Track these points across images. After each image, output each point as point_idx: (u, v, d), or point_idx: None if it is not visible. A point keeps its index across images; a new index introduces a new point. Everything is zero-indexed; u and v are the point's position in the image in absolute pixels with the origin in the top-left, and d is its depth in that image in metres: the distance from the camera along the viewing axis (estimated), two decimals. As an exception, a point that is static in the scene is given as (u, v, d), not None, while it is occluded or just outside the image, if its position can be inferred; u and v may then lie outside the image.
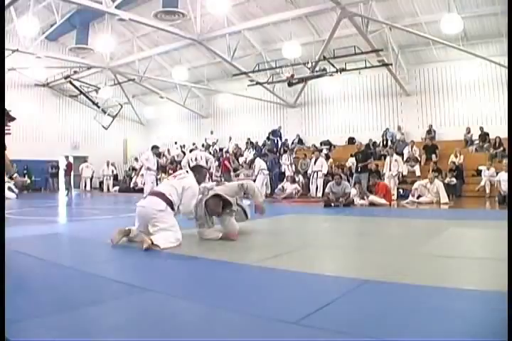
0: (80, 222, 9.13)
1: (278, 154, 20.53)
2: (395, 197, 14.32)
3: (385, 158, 16.35)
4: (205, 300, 3.02)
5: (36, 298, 3.10)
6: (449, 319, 2.56)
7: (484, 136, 17.70)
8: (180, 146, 25.67)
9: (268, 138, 22.90)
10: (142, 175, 14.50)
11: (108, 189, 24.02)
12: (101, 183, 25.14)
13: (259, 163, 16.75)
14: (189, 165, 13.49)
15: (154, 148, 14.31)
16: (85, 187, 24.14)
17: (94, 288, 3.44)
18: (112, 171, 24.69)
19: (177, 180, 5.59)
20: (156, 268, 4.37)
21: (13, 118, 5.07)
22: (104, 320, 2.69)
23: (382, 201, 12.19)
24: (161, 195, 5.35)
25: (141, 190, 15.83)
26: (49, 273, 4.03)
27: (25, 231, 5.65)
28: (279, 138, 22.75)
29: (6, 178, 4.45)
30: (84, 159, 25.18)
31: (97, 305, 2.90)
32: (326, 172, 16.61)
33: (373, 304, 2.92)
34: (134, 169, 23.99)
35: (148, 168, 13.92)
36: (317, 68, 17.89)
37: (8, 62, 19.06)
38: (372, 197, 12.28)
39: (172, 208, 5.31)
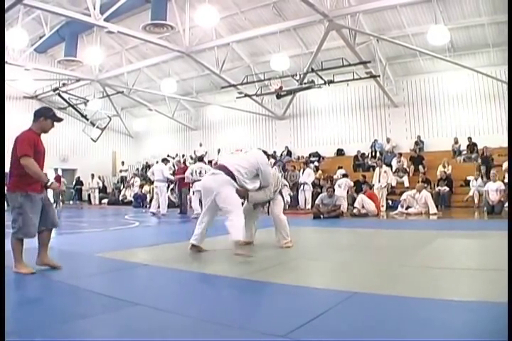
0: (69, 234, 9.05)
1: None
2: (384, 208, 14.37)
3: (373, 170, 16.41)
4: (193, 314, 3.00)
5: (25, 312, 3.07)
6: (438, 330, 2.57)
7: (472, 146, 17.85)
8: (173, 158, 25.51)
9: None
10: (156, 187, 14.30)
11: (99, 202, 23.94)
12: (89, 196, 25.05)
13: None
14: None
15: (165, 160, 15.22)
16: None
17: (83, 301, 3.41)
18: (97, 183, 24.58)
19: (244, 154, 5.85)
20: (145, 282, 4.34)
21: (60, 119, 4.96)
22: (93, 334, 2.66)
23: (372, 206, 12.41)
24: (224, 168, 5.49)
25: (130, 203, 15.71)
26: (38, 287, 4.00)
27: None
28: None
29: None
30: (72, 172, 25.01)
31: (86, 319, 2.88)
32: (310, 182, 16.57)
33: (362, 316, 2.91)
34: (127, 181, 23.98)
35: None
36: (305, 80, 17.95)
37: (-3, 75, 19.00)
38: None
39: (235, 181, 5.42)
